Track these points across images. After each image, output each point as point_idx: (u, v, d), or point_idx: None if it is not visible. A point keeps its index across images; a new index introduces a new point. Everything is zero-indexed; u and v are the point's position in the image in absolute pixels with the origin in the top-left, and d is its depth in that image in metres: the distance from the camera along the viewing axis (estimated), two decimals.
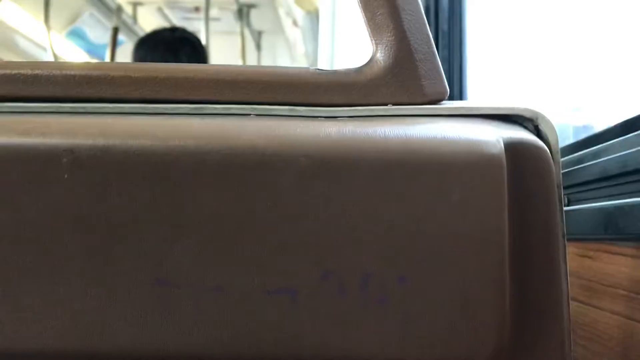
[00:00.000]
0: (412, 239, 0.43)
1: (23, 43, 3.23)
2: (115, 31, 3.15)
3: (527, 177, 0.45)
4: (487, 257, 0.43)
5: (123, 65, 0.50)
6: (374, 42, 0.49)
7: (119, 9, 3.29)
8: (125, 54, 3.46)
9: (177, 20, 3.58)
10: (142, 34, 3.61)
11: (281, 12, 3.46)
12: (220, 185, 0.43)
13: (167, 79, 0.49)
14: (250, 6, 3.46)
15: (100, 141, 0.43)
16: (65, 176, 0.43)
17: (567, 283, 0.46)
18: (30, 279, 0.43)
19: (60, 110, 0.48)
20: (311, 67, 0.50)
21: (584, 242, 0.67)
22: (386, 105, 0.48)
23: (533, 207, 0.45)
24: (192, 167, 0.43)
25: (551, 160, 0.45)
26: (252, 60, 3.77)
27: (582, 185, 0.71)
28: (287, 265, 0.43)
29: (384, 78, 0.48)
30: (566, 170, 0.75)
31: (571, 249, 0.69)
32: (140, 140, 0.43)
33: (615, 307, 0.60)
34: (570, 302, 0.69)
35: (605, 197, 0.66)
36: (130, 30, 3.49)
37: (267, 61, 4.16)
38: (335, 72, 0.49)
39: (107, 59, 3.10)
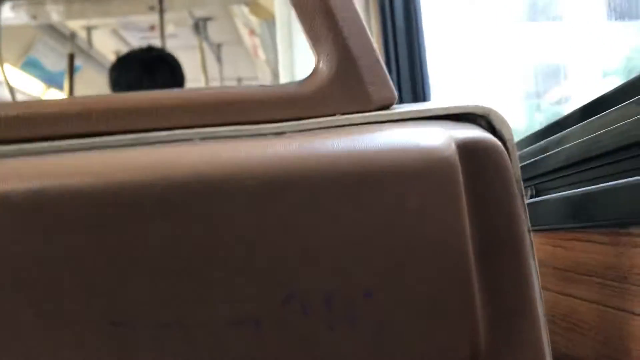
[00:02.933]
0: (372, 252, 0.41)
1: None
2: (71, 57, 3.10)
3: (484, 175, 0.44)
4: (450, 262, 0.42)
5: (57, 101, 0.48)
6: (315, 52, 0.47)
7: (73, 35, 3.24)
8: (83, 79, 3.42)
9: (134, 41, 3.53)
10: (98, 57, 3.58)
11: (238, 22, 3.44)
12: (166, 217, 0.41)
13: (105, 111, 0.46)
14: (206, 19, 3.44)
15: (36, 183, 0.41)
16: (2, 223, 0.40)
17: (538, 278, 0.45)
18: None
19: None
20: (254, 84, 0.48)
21: (556, 232, 0.66)
22: (334, 115, 0.46)
23: (494, 204, 0.44)
24: (134, 202, 0.40)
25: (507, 155, 0.44)
26: (214, 73, 3.74)
27: (547, 175, 0.70)
28: (246, 293, 0.41)
29: (329, 88, 0.47)
30: (531, 160, 0.74)
31: (543, 240, 0.68)
32: (77, 178, 0.41)
33: (592, 296, 0.59)
34: (547, 293, 0.68)
35: (571, 184, 0.65)
36: (87, 55, 3.45)
37: (229, 72, 4.13)
38: (278, 86, 0.48)
39: (65, 86, 3.05)
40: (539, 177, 0.73)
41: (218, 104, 0.47)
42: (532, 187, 0.75)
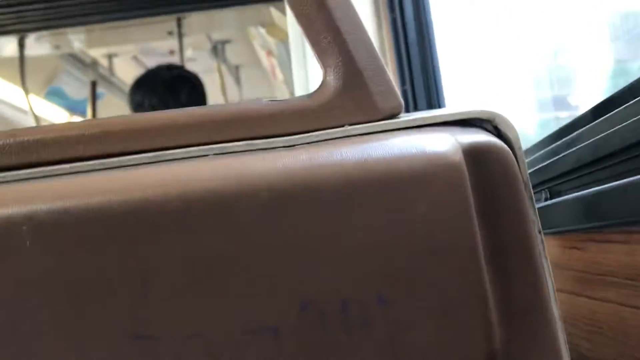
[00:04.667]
0: (384, 258, 0.42)
1: (3, 109, 3.23)
2: (94, 85, 3.16)
3: (492, 178, 0.44)
4: (462, 265, 0.42)
5: (76, 124, 0.50)
6: (322, 66, 0.48)
7: (95, 63, 3.31)
8: (105, 106, 3.48)
9: (154, 66, 3.59)
10: (120, 84, 3.64)
11: (255, 44, 3.48)
12: (184, 231, 0.42)
13: (121, 132, 0.48)
14: (225, 42, 3.49)
15: (59, 204, 0.42)
16: (27, 244, 0.42)
17: (551, 278, 0.45)
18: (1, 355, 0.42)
19: (17, 178, 0.47)
20: (264, 99, 0.50)
21: (571, 234, 0.66)
22: (342, 126, 0.48)
23: (503, 207, 0.44)
24: (153, 218, 0.42)
25: (513, 158, 0.45)
26: (233, 96, 3.78)
27: (560, 177, 0.70)
28: (263, 303, 0.42)
29: (337, 100, 0.48)
30: (543, 164, 0.75)
31: (559, 242, 0.68)
32: (97, 197, 0.43)
33: (610, 296, 0.59)
34: (565, 295, 0.68)
35: (584, 185, 0.65)
36: (109, 82, 3.51)
37: (248, 94, 4.17)
38: (288, 100, 0.49)
39: (89, 114, 3.11)
40: (551, 180, 0.73)
41: (230, 120, 0.48)
42: (546, 190, 0.75)
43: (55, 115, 3.49)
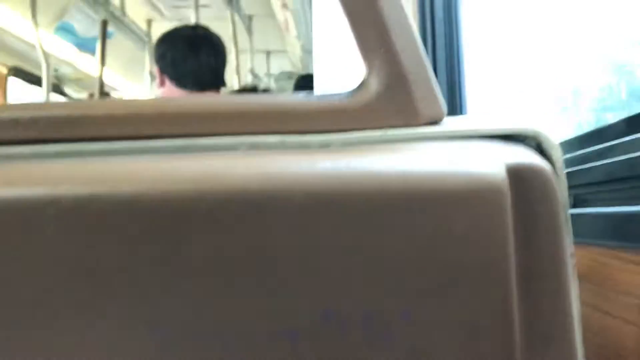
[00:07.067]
0: (414, 274, 0.41)
1: (11, 41, 3.19)
2: (104, 24, 3.11)
3: (533, 201, 0.43)
4: (492, 289, 0.41)
5: (107, 103, 0.49)
6: (365, 64, 0.46)
7: (107, 1, 3.25)
8: (114, 46, 3.43)
9: (167, 10, 3.53)
10: (131, 25, 3.59)
11: None
12: (214, 229, 0.41)
13: (153, 114, 0.47)
14: None
15: (86, 189, 0.41)
16: (51, 228, 0.41)
17: (578, 303, 0.45)
18: (20, 337, 0.41)
19: (43, 153, 0.46)
20: (301, 93, 0.48)
21: (593, 247, 0.65)
22: (380, 129, 0.46)
23: (539, 232, 0.43)
24: (183, 213, 0.41)
25: (555, 183, 0.43)
26: (244, 45, 3.73)
27: (588, 187, 0.69)
28: (287, 308, 0.41)
29: (377, 102, 0.46)
30: (571, 169, 0.73)
31: (579, 253, 0.67)
32: (126, 186, 0.41)
33: (629, 316, 0.58)
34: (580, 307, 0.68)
35: (613, 200, 0.64)
36: (120, 22, 3.45)
37: (259, 45, 4.12)
38: (325, 96, 0.47)
39: (98, 51, 3.07)
40: (577, 187, 0.72)
41: (264, 112, 0.46)
42: (571, 196, 0.74)
43: (63, 51, 3.44)
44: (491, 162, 0.42)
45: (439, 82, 1.48)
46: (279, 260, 0.41)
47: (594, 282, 0.65)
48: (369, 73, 0.46)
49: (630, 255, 0.57)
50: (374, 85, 0.46)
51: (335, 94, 0.47)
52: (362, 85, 0.47)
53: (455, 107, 1.50)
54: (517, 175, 0.42)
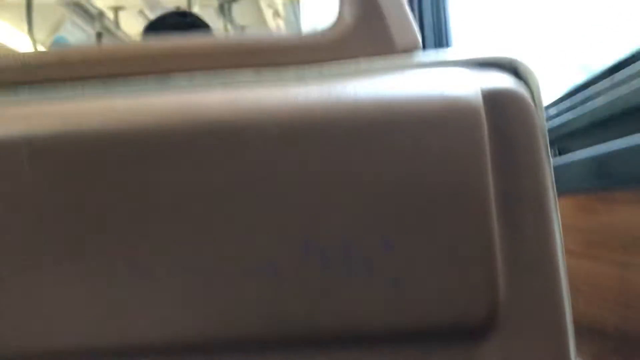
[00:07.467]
0: (393, 201, 0.40)
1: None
2: (99, 37, 3.13)
3: (510, 125, 0.43)
4: (471, 212, 0.41)
5: (80, 48, 0.49)
6: None
7: (101, 15, 3.27)
8: None
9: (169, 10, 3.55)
10: (125, 38, 3.60)
11: (262, 4, 3.44)
12: (189, 164, 0.40)
13: (124, 55, 0.47)
14: (231, 1, 3.44)
15: (59, 128, 0.41)
16: (26, 167, 0.41)
17: (561, 236, 0.44)
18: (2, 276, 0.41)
19: (17, 95, 0.46)
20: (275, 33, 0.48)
21: (579, 194, 0.65)
22: (355, 59, 0.46)
23: (518, 156, 0.43)
24: (158, 147, 0.41)
25: (533, 107, 0.43)
26: None
27: (570, 135, 0.69)
28: (265, 241, 0.40)
29: (352, 32, 0.46)
30: (554, 121, 0.73)
31: (566, 202, 0.67)
32: (100, 124, 0.41)
33: (613, 257, 0.58)
34: (569, 256, 0.67)
35: (594, 143, 0.64)
36: (114, 35, 3.47)
37: None
38: (301, 33, 0.47)
39: None
40: (561, 137, 0.72)
41: (239, 47, 0.47)
42: (555, 147, 0.73)
43: None
44: (466, 87, 0.42)
45: (424, 17, 1.47)
46: (256, 193, 0.41)
47: (582, 230, 0.65)
48: (342, 4, 0.46)
49: (613, 195, 0.57)
50: (348, 17, 0.46)
51: (310, 31, 0.48)
52: (336, 18, 0.47)
53: (442, 42, 1.50)
54: (493, 99, 0.42)
